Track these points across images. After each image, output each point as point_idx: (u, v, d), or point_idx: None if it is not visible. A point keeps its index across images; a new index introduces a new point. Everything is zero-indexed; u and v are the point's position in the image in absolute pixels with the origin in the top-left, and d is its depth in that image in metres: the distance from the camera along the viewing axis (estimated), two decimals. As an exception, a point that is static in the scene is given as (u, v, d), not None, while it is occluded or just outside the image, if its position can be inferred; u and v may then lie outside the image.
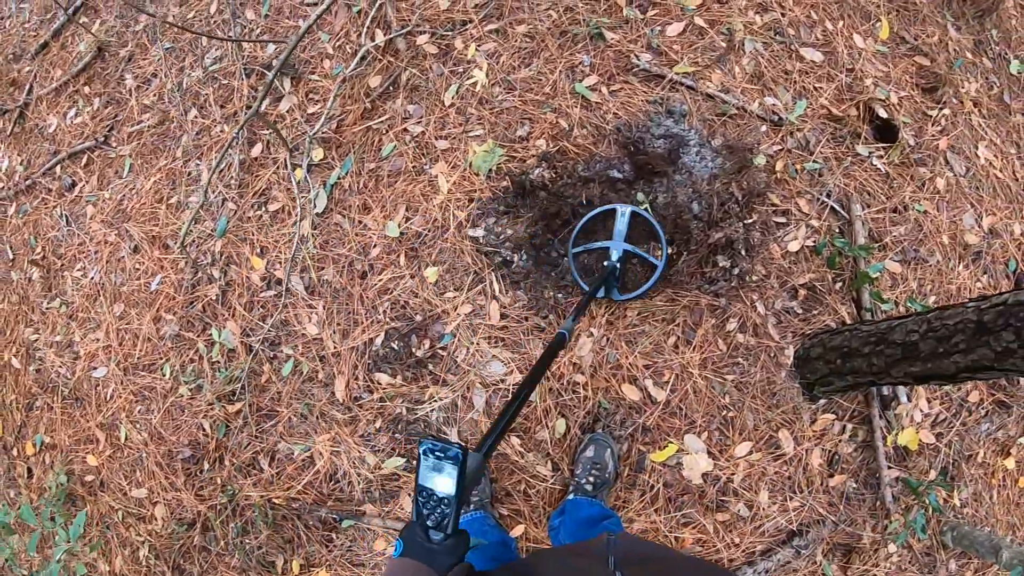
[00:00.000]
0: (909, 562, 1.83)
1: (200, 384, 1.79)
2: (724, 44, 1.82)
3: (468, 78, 1.79)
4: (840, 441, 1.75)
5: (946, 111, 1.96)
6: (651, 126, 1.71)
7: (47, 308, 2.00)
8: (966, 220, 1.92)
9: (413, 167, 1.76)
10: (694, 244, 1.62)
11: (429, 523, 0.70)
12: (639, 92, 1.76)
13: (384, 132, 1.80)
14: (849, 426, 1.75)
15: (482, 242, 1.68)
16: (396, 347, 1.70)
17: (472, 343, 1.66)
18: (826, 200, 1.78)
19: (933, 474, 1.81)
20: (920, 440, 1.85)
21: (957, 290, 1.88)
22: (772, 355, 1.69)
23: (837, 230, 1.79)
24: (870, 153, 1.85)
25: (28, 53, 2.31)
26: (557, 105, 1.75)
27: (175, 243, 1.87)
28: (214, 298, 1.83)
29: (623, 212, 1.62)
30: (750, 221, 1.66)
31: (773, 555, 1.74)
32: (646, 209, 1.64)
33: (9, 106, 2.22)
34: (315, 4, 2.01)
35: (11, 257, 2.12)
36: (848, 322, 1.73)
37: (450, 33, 1.84)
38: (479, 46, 1.82)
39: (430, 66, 1.82)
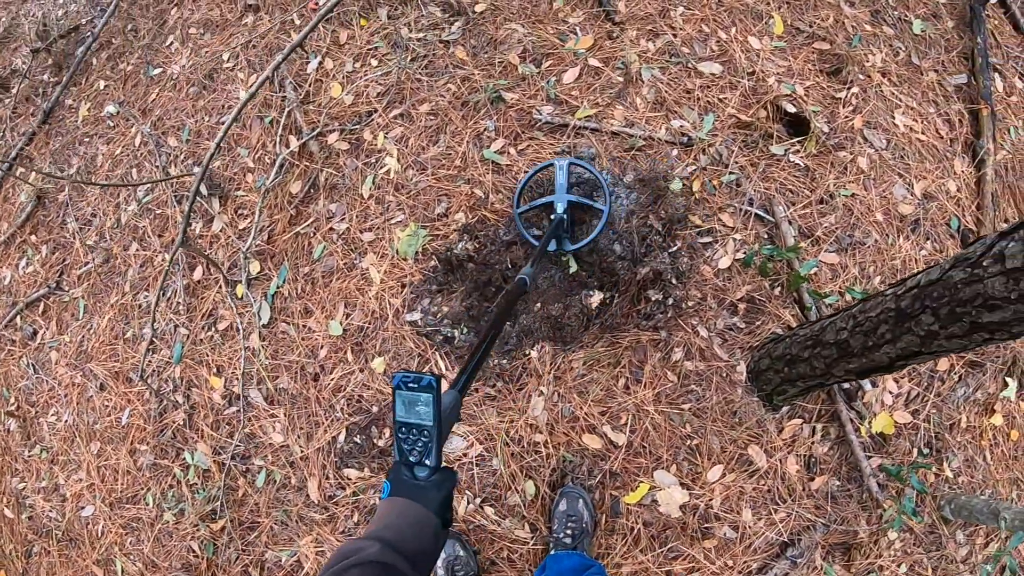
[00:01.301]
0: (914, 544, 1.82)
1: (182, 508, 1.84)
2: (621, 79, 1.86)
3: (381, 167, 1.85)
4: (813, 443, 1.75)
5: (855, 89, 1.98)
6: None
7: (29, 456, 2.06)
8: (897, 192, 1.93)
9: (344, 264, 1.81)
10: (623, 284, 1.65)
11: (412, 459, 0.69)
12: (546, 145, 1.80)
13: (312, 235, 1.85)
14: (819, 426, 1.75)
15: (421, 324, 1.72)
16: (359, 441, 1.74)
17: (430, 423, 1.70)
18: (748, 208, 1.81)
19: (916, 453, 1.80)
20: (896, 422, 1.84)
21: (903, 264, 1.88)
22: (724, 375, 1.70)
23: (766, 236, 1.81)
24: (785, 151, 1.88)
25: (-24, 211, 2.41)
26: (470, 176, 1.80)
27: (136, 376, 1.93)
28: (181, 423, 1.88)
29: (561, 166, 1.65)
30: (675, 249, 1.69)
31: (770, 570, 1.74)
32: (581, 159, 1.70)
33: (-34, 266, 2.31)
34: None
35: (-11, 412, 2.19)
36: (794, 324, 1.75)
37: (358, 127, 1.91)
38: (387, 133, 1.88)
39: (344, 162, 1.88)
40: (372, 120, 1.90)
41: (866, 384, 1.84)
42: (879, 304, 1.20)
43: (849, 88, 1.97)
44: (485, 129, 1.84)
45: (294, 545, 1.75)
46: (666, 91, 1.88)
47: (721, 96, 1.90)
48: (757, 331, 1.74)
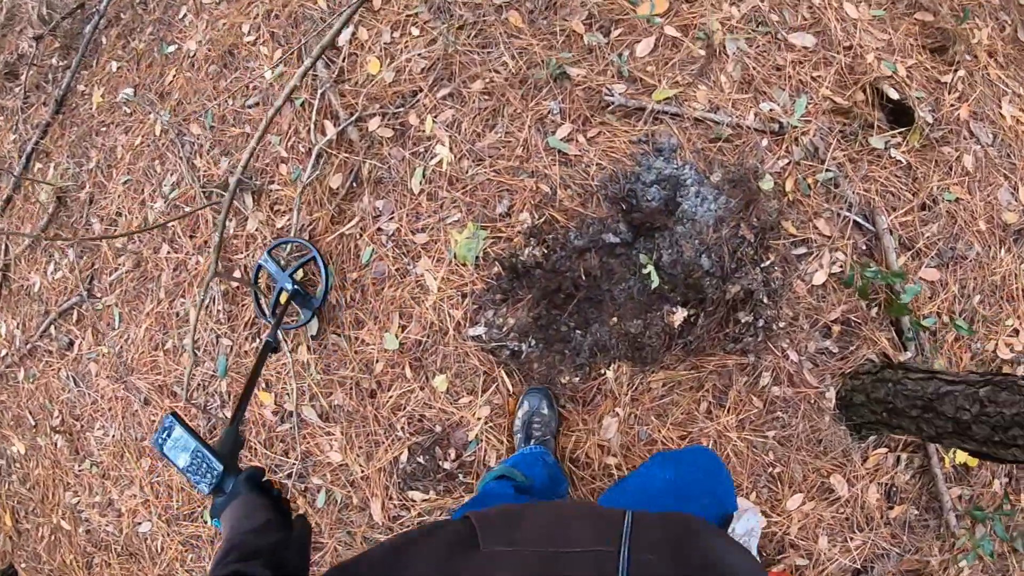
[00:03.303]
0: (982, 572, 1.69)
1: (241, 526, 1.76)
2: (703, 52, 1.58)
3: (431, 157, 1.62)
4: (896, 472, 1.61)
5: (961, 72, 1.68)
6: (640, 172, 1.51)
7: (80, 471, 2.01)
8: (1001, 196, 1.67)
9: (397, 270, 1.63)
10: (710, 304, 1.44)
11: (212, 485, 0.78)
12: (620, 133, 1.55)
13: (358, 237, 1.66)
14: (903, 456, 1.60)
15: (485, 339, 1.55)
16: (423, 461, 1.61)
17: (501, 443, 1.56)
18: (847, 215, 1.57)
19: (998, 484, 1.65)
20: (982, 453, 1.69)
21: (1002, 279, 1.65)
22: (812, 402, 1.53)
23: (864, 247, 1.58)
24: (887, 144, 1.61)
25: (-4, 209, 2.27)
26: (533, 168, 1.57)
27: (182, 390, 1.82)
28: (232, 440, 1.78)
29: (265, 259, 1.65)
30: (767, 263, 1.46)
31: (844, 595, 1.62)
32: (288, 241, 1.69)
33: (-8, 269, 2.20)
34: (257, 105, 1.86)
35: (33, 424, 2.13)
36: (889, 351, 1.56)
37: (401, 109, 1.67)
38: (435, 117, 1.64)
39: (389, 152, 1.66)
40: (417, 101, 1.66)
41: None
42: (1015, 403, 1.03)
43: (955, 70, 1.67)
44: (549, 112, 1.59)
45: (359, 566, 1.67)
46: (754, 67, 1.59)
47: (815, 74, 1.61)
48: (850, 356, 1.55)
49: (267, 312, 1.67)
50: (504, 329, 1.55)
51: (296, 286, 1.64)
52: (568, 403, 1.54)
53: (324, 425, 1.70)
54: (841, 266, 1.54)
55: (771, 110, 1.57)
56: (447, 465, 1.59)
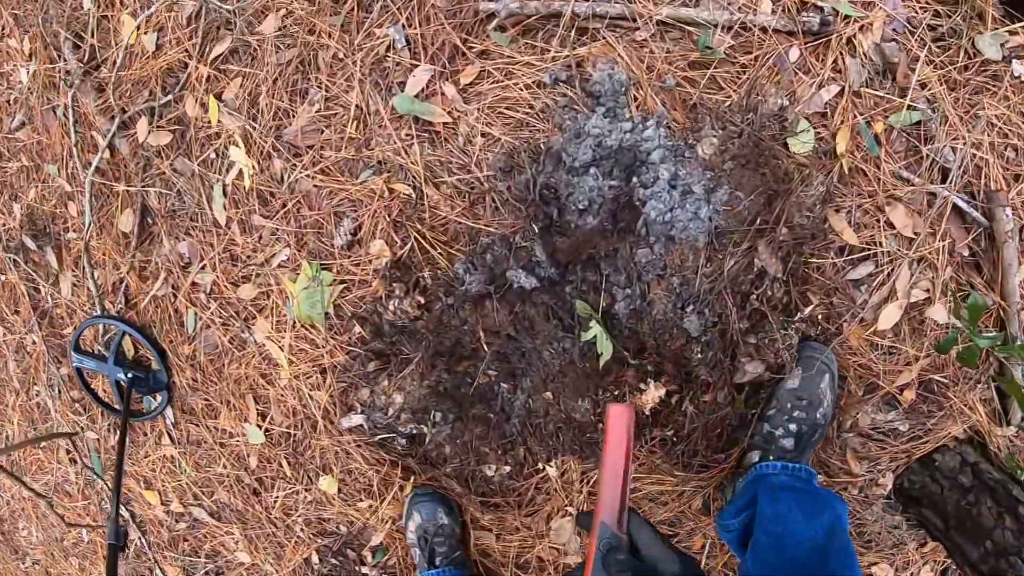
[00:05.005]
0: None
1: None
2: None
3: (227, 165, 1.03)
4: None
5: None
6: (564, 144, 0.85)
7: (26, 568, 1.85)
8: None
9: (230, 340, 1.13)
10: (707, 395, 0.84)
11: None
12: (519, 69, 0.87)
13: (173, 298, 1.16)
14: None
15: (367, 430, 1.06)
16: (337, 562, 1.25)
17: (424, 546, 1.14)
18: (944, 192, 0.85)
19: None
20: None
21: None
22: (860, 489, 0.95)
23: (968, 254, 0.88)
24: (1007, 52, 0.84)
25: None
26: (380, 155, 0.94)
27: (75, 490, 1.52)
28: (139, 541, 1.49)
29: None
30: (805, 314, 0.82)
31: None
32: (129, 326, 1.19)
33: None
34: (23, 125, 1.30)
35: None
36: (983, 427, 0.91)
37: (171, 96, 1.05)
38: (219, 95, 1.02)
39: (172, 168, 1.08)
40: (189, 77, 1.04)
41: None
42: None
43: None
44: (390, 45, 0.92)
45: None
46: None
47: None
48: (923, 435, 0.92)
49: (119, 407, 1.28)
50: (390, 411, 1.05)
51: (131, 372, 1.21)
52: (496, 497, 1.06)
53: (220, 524, 1.35)
54: (928, 291, 0.87)
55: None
56: (365, 570, 1.21)
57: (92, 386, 1.34)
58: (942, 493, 0.92)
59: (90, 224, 1.17)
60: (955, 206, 0.88)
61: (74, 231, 1.28)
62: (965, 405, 0.92)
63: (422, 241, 0.93)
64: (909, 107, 0.86)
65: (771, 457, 0.90)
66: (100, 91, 1.14)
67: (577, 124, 0.86)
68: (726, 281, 0.85)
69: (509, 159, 0.88)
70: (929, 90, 0.86)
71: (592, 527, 0.52)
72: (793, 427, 0.89)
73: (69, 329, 1.37)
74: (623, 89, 0.87)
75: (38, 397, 1.52)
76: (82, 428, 1.46)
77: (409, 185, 0.93)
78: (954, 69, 0.86)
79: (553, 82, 0.87)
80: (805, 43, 0.87)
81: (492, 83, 0.89)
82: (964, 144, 0.87)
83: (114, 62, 1.12)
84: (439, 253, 0.93)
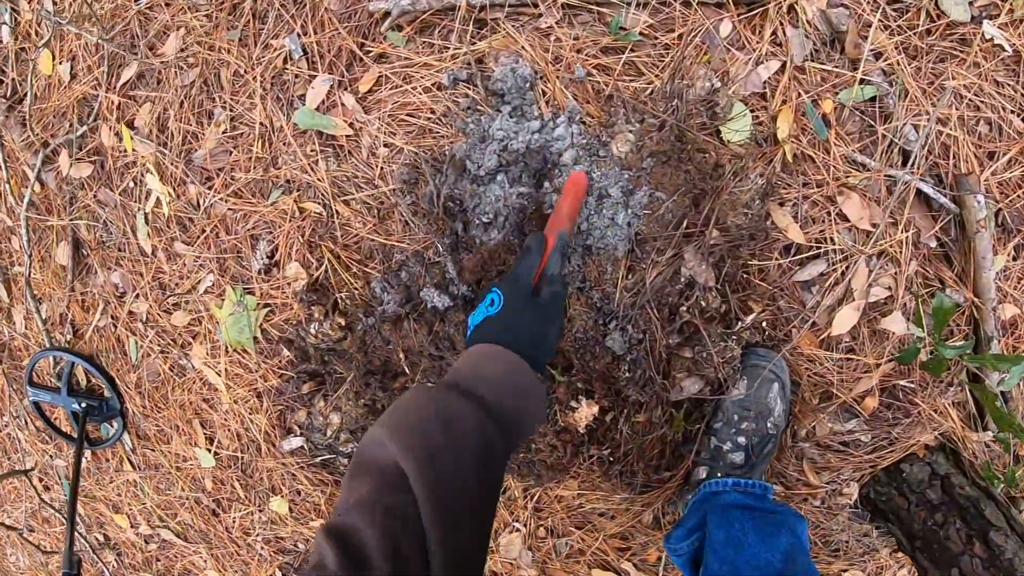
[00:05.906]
0: None
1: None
2: None
3: (145, 193, 1.02)
4: None
5: None
6: (467, 150, 0.82)
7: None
8: None
9: (170, 367, 1.13)
10: (641, 415, 0.81)
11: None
12: (416, 71, 0.84)
13: (114, 328, 1.16)
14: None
15: (307, 452, 1.05)
16: (303, 581, 1.25)
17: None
18: (905, 177, 0.79)
19: None
20: None
21: None
22: (822, 501, 0.91)
23: (936, 245, 0.82)
24: (980, 11, 0.77)
25: None
26: (287, 174, 0.92)
27: (50, 515, 1.55)
28: (115, 564, 1.52)
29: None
30: (747, 323, 0.78)
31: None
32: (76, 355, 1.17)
33: None
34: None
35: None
36: (957, 433, 0.86)
37: (86, 126, 1.04)
38: (131, 121, 1.00)
39: (96, 199, 1.07)
40: (101, 106, 1.02)
41: None
42: None
43: None
44: (287, 57, 0.90)
45: None
46: None
47: None
48: (891, 445, 0.88)
49: (75, 436, 1.29)
50: (328, 431, 1.04)
51: (84, 402, 1.22)
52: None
53: (187, 544, 1.36)
54: (890, 291, 0.81)
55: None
56: (328, 589, 1.22)
57: (53, 416, 1.36)
58: (908, 509, 0.86)
59: (30, 258, 1.17)
60: (919, 192, 0.80)
61: (19, 265, 1.29)
62: (935, 411, 0.87)
63: (335, 262, 0.91)
64: (862, 81, 0.78)
65: (719, 474, 0.85)
66: (23, 125, 1.13)
67: (481, 127, 0.83)
68: (649, 294, 0.81)
69: (412, 170, 0.85)
70: (885, 60, 0.78)
71: (550, 232, 0.72)
72: (742, 440, 0.84)
73: (27, 361, 1.38)
74: (528, 84, 0.83)
75: (7, 428, 1.54)
76: (51, 456, 1.48)
77: (319, 203, 0.91)
78: (914, 34, 0.78)
79: (453, 83, 0.84)
80: (738, 15, 0.79)
81: (391, 88, 0.86)
82: (928, 121, 0.78)
83: (35, 95, 1.11)
84: (355, 273, 0.91)
